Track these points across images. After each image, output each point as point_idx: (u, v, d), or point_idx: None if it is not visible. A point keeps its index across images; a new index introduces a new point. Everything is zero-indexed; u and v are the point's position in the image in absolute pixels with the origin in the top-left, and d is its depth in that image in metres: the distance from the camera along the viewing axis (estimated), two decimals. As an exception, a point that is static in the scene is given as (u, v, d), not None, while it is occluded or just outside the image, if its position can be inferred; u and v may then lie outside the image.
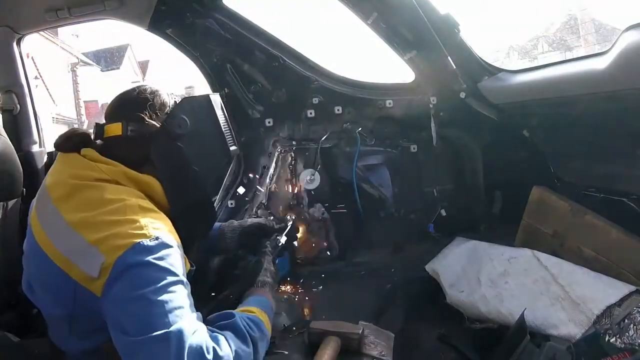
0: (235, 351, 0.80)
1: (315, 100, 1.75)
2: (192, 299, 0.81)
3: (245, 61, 1.72)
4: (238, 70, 1.72)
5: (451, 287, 1.37)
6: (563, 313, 1.11)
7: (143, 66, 20.04)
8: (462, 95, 1.65)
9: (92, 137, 0.98)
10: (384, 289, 1.48)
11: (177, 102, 1.03)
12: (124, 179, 0.90)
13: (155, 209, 0.89)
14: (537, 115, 1.57)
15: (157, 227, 0.83)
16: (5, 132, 1.34)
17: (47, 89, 11.69)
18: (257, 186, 1.74)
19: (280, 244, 1.28)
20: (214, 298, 1.26)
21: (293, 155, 1.76)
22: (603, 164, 1.41)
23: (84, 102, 15.48)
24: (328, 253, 1.73)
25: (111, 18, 1.59)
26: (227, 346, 0.79)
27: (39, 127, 1.76)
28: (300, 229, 1.64)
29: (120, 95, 1.02)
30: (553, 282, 1.18)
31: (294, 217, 1.44)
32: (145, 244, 0.78)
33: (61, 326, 0.88)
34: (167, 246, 0.81)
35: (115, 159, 0.92)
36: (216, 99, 1.10)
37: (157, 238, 0.80)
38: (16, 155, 1.33)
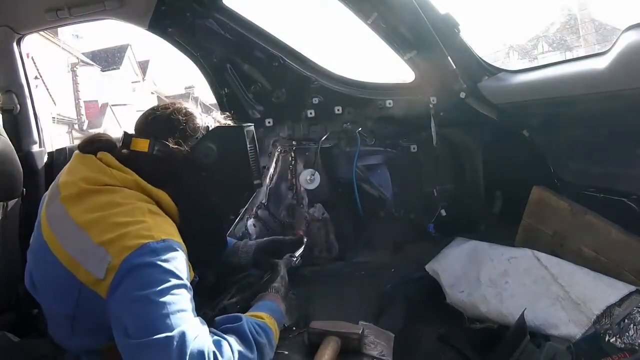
0: (237, 357, 0.80)
1: (315, 100, 1.75)
2: (194, 304, 0.81)
3: (245, 61, 1.72)
4: (238, 70, 1.73)
5: (451, 287, 1.36)
6: (563, 313, 1.11)
7: (143, 66, 20.06)
8: (462, 95, 1.64)
9: (120, 144, 0.98)
10: (384, 289, 1.47)
11: (210, 128, 1.02)
12: (135, 187, 0.90)
13: (164, 214, 0.90)
14: (537, 115, 1.56)
15: (165, 231, 0.83)
16: (5, 132, 1.34)
17: (47, 89, 11.69)
18: (257, 186, 1.74)
19: (295, 263, 1.26)
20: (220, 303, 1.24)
21: (293, 155, 1.76)
22: (603, 163, 1.41)
23: (84, 102, 15.51)
24: (328, 253, 1.72)
25: (111, 18, 1.60)
26: (229, 351, 0.78)
27: (39, 127, 1.77)
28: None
29: (154, 110, 1.01)
30: (553, 282, 1.18)
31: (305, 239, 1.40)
32: (152, 245, 0.79)
33: (63, 324, 0.89)
34: (174, 249, 0.81)
35: (136, 172, 0.92)
36: (249, 131, 1.10)
37: (164, 240, 0.81)
38: (16, 155, 1.33)
